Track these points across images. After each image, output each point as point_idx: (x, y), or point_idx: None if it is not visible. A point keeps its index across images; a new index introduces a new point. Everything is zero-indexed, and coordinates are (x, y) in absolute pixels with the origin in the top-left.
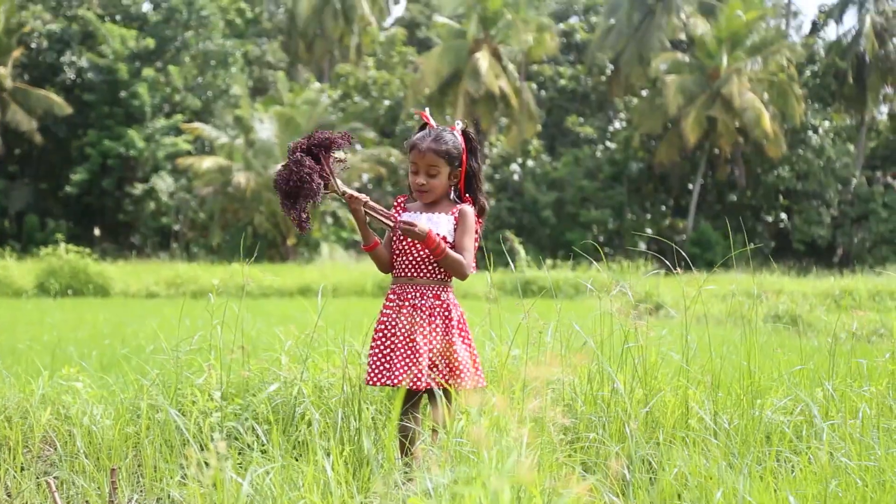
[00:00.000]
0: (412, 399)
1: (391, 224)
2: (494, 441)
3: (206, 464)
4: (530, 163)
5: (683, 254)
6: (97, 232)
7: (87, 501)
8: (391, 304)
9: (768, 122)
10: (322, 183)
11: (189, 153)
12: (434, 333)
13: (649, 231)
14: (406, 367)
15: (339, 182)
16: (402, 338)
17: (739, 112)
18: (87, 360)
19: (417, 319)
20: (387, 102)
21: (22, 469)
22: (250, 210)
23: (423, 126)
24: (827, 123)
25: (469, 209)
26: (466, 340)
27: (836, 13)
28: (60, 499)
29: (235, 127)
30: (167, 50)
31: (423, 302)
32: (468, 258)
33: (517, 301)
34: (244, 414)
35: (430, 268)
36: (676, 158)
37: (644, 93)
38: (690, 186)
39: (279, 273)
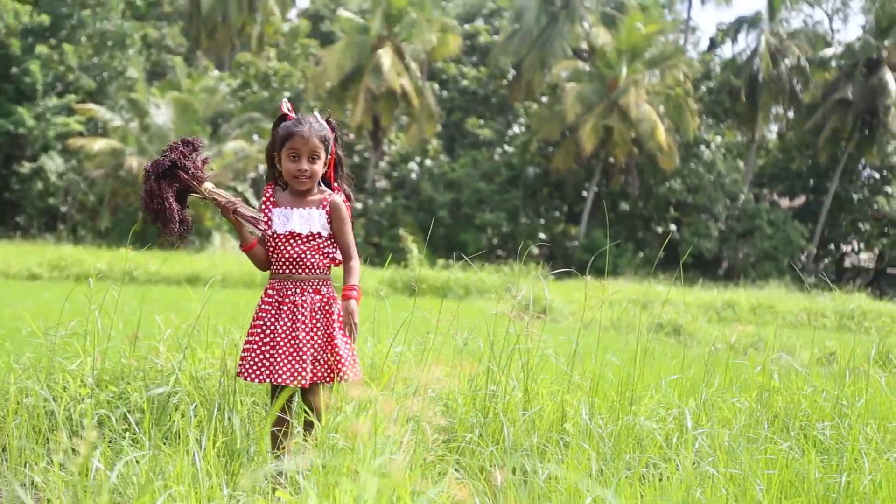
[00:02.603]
0: (289, 394)
1: (261, 229)
2: (369, 437)
3: (75, 451)
4: (428, 162)
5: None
6: None
7: None
8: (270, 300)
9: (663, 134)
10: (177, 210)
11: (81, 134)
12: (316, 329)
13: (542, 236)
14: (289, 365)
15: (208, 186)
16: (283, 335)
17: (635, 123)
18: None
19: (299, 316)
20: (287, 94)
21: None
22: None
23: (282, 118)
24: (719, 139)
25: (340, 200)
26: (346, 334)
27: (732, 32)
28: None
29: (130, 110)
30: (62, 27)
31: (304, 298)
32: (354, 252)
33: (407, 299)
34: (117, 402)
35: (308, 264)
36: (572, 165)
37: (544, 99)
38: (585, 194)
39: (168, 261)
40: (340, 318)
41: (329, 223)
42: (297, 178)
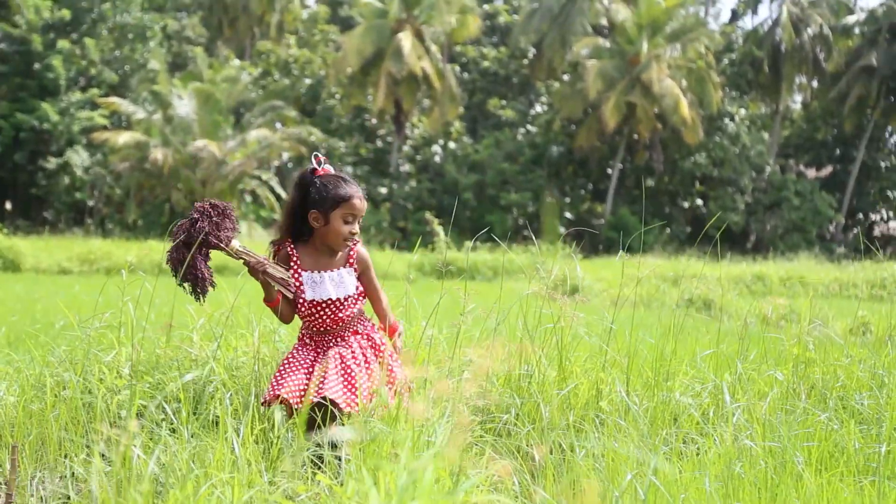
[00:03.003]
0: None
1: (291, 292)
2: (426, 417)
3: (115, 441)
4: (452, 144)
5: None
6: (9, 206)
7: None
8: (309, 347)
9: (686, 108)
10: (208, 274)
11: (105, 128)
12: (366, 357)
13: (568, 215)
14: (342, 389)
15: (235, 245)
16: (334, 363)
17: (658, 98)
18: None
19: (345, 349)
20: (308, 81)
21: None
22: (168, 187)
23: (307, 173)
24: (743, 111)
25: (362, 251)
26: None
27: (753, 3)
28: None
29: (153, 102)
30: (83, 22)
31: (343, 343)
32: (382, 294)
33: (436, 282)
34: (153, 392)
35: (345, 320)
36: (596, 143)
37: (565, 77)
38: (609, 171)
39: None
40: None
41: (358, 277)
42: (346, 242)
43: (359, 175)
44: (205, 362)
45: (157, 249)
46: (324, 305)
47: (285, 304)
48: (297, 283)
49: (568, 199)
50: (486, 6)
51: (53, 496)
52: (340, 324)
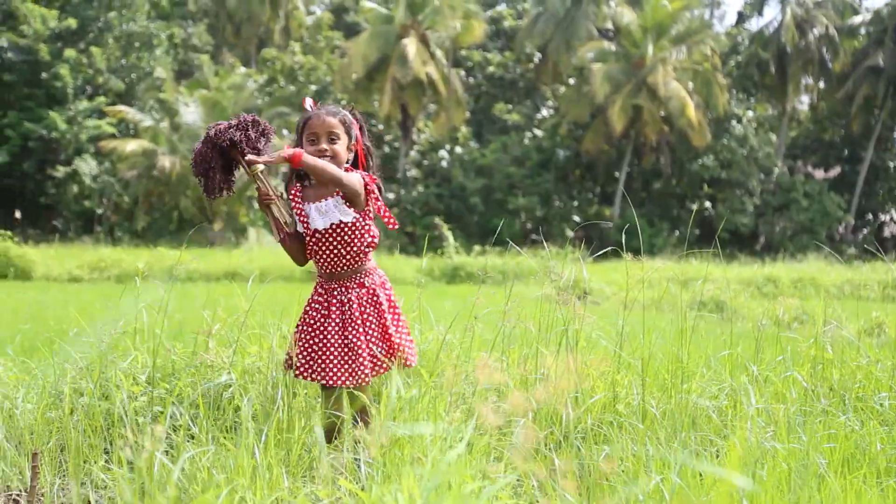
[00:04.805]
0: (338, 394)
1: (278, 237)
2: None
3: (137, 447)
4: (458, 149)
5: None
6: (18, 215)
7: (8, 486)
8: (320, 300)
9: (693, 111)
10: (220, 181)
11: (113, 136)
12: (368, 324)
13: (576, 218)
14: (345, 366)
15: (259, 168)
16: (335, 335)
17: (664, 101)
18: (8, 345)
19: (348, 315)
20: (313, 87)
21: None
22: (176, 194)
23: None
24: (750, 113)
25: (356, 173)
26: (399, 321)
27: (758, 4)
28: None
29: (160, 110)
30: (90, 30)
31: (349, 294)
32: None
33: (446, 287)
34: (170, 398)
35: (347, 260)
36: (603, 146)
37: (571, 81)
38: (617, 174)
39: (205, 257)
40: (392, 306)
41: (346, 202)
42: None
43: None
44: (221, 367)
45: (168, 256)
46: (317, 238)
47: (293, 242)
48: (301, 215)
49: (575, 203)
50: (490, 11)
51: (74, 503)
52: (340, 265)
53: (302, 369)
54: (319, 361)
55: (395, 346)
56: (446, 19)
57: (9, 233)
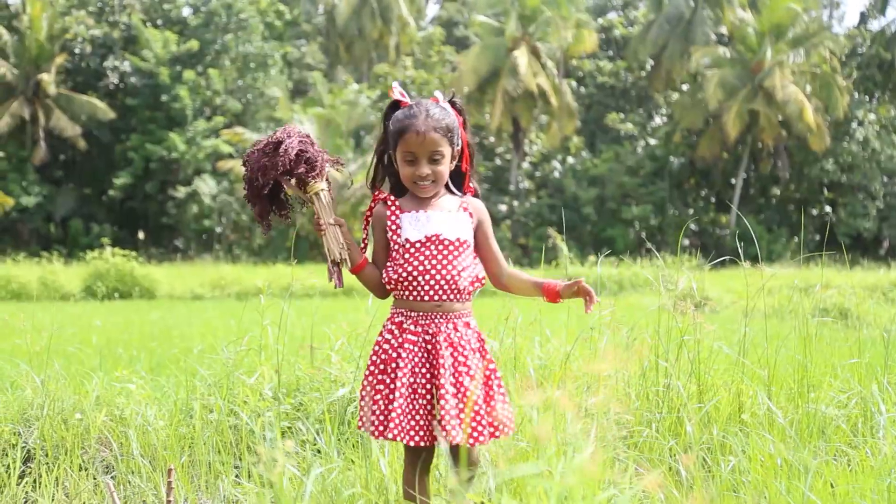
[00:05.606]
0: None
1: (332, 272)
2: (550, 437)
3: (268, 462)
4: (571, 160)
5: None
6: (141, 235)
7: (143, 501)
8: (414, 339)
9: (811, 114)
10: (268, 211)
11: (230, 156)
12: (472, 376)
13: (693, 226)
14: (428, 420)
15: (321, 186)
16: (424, 384)
17: (781, 105)
18: (136, 362)
19: (451, 353)
20: None
21: (80, 469)
22: (292, 211)
23: (395, 105)
24: (872, 115)
25: (480, 203)
26: (497, 377)
27: (880, 4)
28: (119, 499)
29: (275, 129)
30: (207, 53)
31: (458, 335)
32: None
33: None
34: (296, 413)
35: (459, 286)
36: (718, 153)
37: (684, 87)
38: (733, 181)
39: (322, 274)
40: (488, 364)
41: (474, 230)
42: (416, 185)
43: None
44: (345, 382)
45: (287, 274)
46: (429, 244)
47: (372, 270)
48: (395, 227)
49: (691, 211)
50: (600, 20)
51: None
52: (454, 293)
53: (371, 425)
54: (410, 416)
55: (499, 416)
56: (558, 30)
57: (133, 253)
